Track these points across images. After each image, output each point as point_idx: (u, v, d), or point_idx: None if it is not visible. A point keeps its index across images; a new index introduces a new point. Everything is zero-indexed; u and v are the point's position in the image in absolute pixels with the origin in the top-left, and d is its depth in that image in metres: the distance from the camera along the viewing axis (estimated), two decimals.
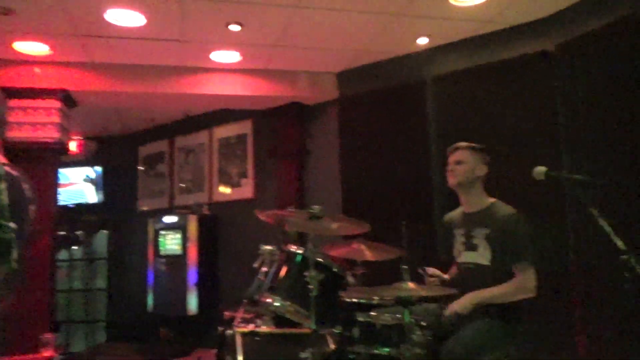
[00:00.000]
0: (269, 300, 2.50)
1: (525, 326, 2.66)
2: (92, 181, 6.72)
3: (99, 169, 6.73)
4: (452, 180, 2.74)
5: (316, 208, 2.25)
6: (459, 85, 4.15)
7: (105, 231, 6.71)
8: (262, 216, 2.51)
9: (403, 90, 4.46)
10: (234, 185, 5.80)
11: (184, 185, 6.27)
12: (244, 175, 5.70)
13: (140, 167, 6.80)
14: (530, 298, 2.57)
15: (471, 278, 2.67)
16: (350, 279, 3.16)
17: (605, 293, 3.14)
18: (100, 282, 6.65)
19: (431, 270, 2.78)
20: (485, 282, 2.61)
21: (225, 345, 2.66)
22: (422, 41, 4.08)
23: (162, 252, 5.80)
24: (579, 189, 2.31)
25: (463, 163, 2.71)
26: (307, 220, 2.34)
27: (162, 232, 5.82)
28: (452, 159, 2.78)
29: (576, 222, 3.50)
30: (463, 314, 2.46)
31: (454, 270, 2.87)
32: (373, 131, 4.63)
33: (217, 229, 5.88)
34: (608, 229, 2.22)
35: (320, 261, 2.45)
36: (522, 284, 2.50)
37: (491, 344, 2.49)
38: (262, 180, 5.54)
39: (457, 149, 2.77)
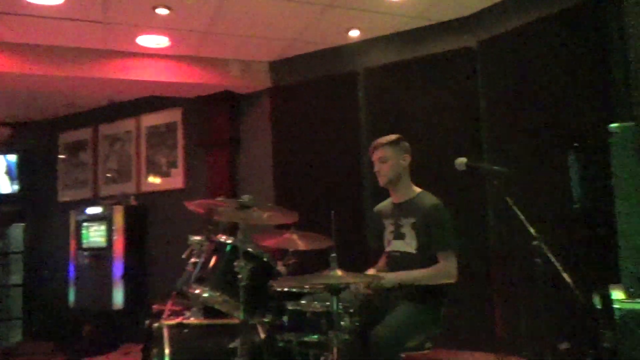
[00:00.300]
0: (197, 291, 2.46)
1: (447, 309, 2.80)
2: (6, 170, 6.25)
3: (13, 157, 6.27)
4: (381, 180, 2.81)
5: (246, 197, 2.23)
6: (389, 78, 4.26)
7: (21, 223, 6.28)
8: (192, 206, 2.45)
9: (335, 81, 4.51)
10: (163, 175, 5.63)
11: (109, 175, 5.99)
12: (173, 165, 5.54)
13: (61, 156, 6.42)
14: (452, 282, 2.72)
15: (399, 265, 2.77)
16: (282, 269, 3.18)
17: (519, 276, 3.35)
18: (16, 278, 6.22)
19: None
20: (411, 269, 2.72)
21: (153, 339, 2.59)
22: (354, 33, 4.14)
23: (85, 245, 5.54)
24: (496, 180, 2.46)
25: (386, 161, 2.77)
26: (236, 210, 2.32)
27: (85, 224, 5.55)
28: (375, 157, 2.83)
29: (495, 211, 3.71)
30: (385, 287, 2.56)
31: (382, 262, 2.96)
32: (305, 121, 4.65)
33: (145, 220, 5.68)
34: (521, 217, 2.39)
35: (250, 251, 2.44)
36: (444, 270, 2.62)
37: (417, 328, 2.60)
38: (192, 170, 5.41)
39: (376, 147, 2.82)
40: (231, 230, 3.27)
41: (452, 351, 3.74)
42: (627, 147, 2.14)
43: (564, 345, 3.05)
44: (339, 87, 4.49)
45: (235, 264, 2.20)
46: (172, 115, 5.57)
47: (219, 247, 2.53)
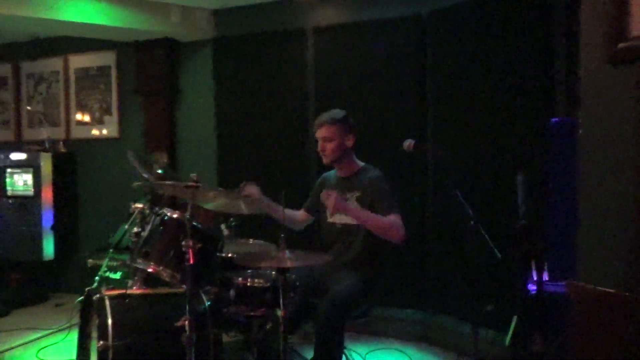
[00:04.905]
0: (142, 266, 2.42)
1: (383, 279, 2.94)
2: None
3: None
4: (325, 159, 2.83)
5: (193, 177, 2.17)
6: (338, 39, 4.15)
7: None
8: (135, 186, 2.36)
9: (282, 37, 4.34)
10: (96, 122, 5.31)
11: (29, 108, 5.56)
12: (107, 111, 5.23)
13: None
14: (388, 254, 2.85)
15: (342, 238, 2.84)
16: (225, 231, 3.18)
17: (453, 249, 3.52)
18: None
19: (249, 189, 2.84)
20: (354, 242, 2.80)
21: (93, 309, 2.54)
22: None
23: (9, 193, 5.21)
24: (440, 162, 2.54)
25: (330, 140, 2.77)
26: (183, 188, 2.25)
27: (9, 171, 5.20)
28: (319, 135, 2.82)
29: (436, 188, 3.77)
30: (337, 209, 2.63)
31: (303, 216, 3.03)
32: (250, 75, 4.49)
33: (75, 169, 5.41)
34: (462, 199, 2.51)
35: (197, 227, 2.40)
36: (396, 223, 2.61)
37: (361, 297, 2.70)
38: (128, 118, 5.13)
39: (321, 125, 2.80)
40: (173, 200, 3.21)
41: (383, 307, 3.96)
42: (563, 141, 2.27)
43: (489, 308, 3.29)
44: (286, 43, 4.34)
45: (183, 243, 2.16)
46: (105, 59, 5.18)
47: (164, 222, 2.47)
